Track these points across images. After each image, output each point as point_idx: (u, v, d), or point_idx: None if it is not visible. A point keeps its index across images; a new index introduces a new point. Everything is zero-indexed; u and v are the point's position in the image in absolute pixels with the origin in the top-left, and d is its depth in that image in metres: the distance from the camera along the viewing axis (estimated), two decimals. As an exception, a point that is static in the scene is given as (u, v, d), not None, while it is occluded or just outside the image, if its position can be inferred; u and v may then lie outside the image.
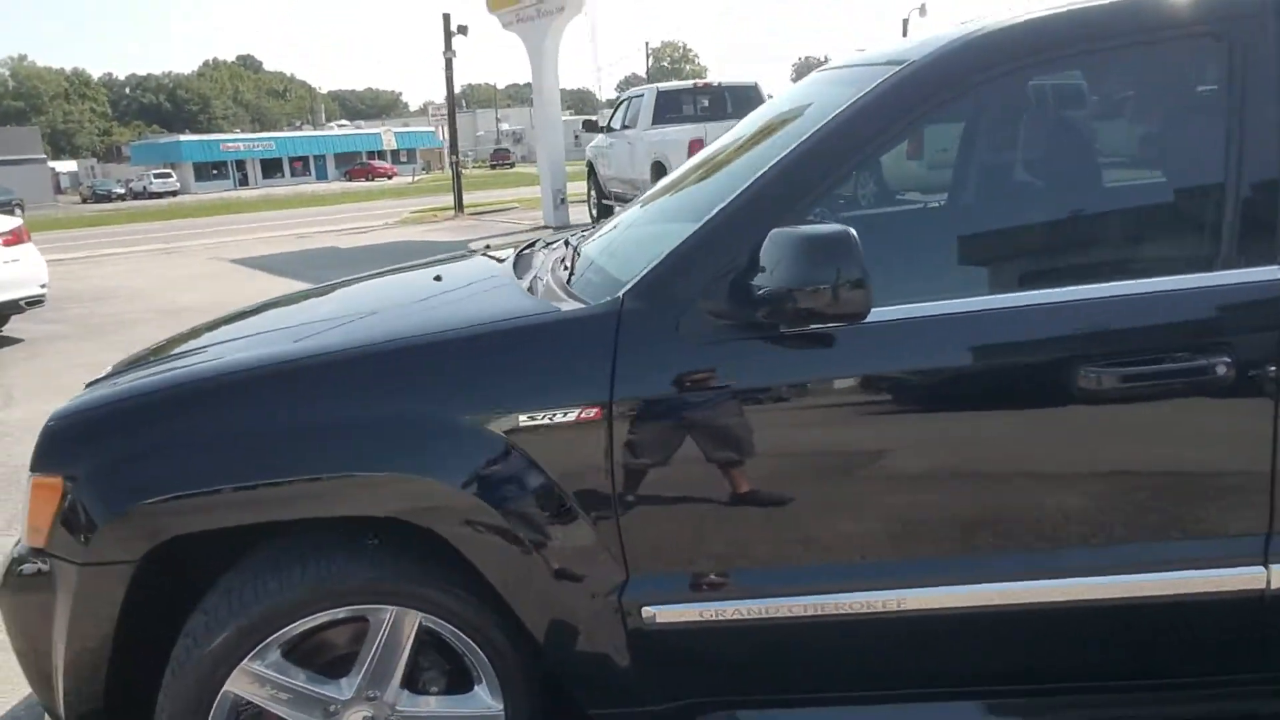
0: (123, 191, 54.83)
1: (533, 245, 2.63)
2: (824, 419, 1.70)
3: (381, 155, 67.47)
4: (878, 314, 1.57)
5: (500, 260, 2.42)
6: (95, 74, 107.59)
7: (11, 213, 6.74)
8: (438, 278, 2.34)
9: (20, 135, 57.43)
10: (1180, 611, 1.70)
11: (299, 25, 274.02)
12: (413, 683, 1.87)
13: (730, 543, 1.74)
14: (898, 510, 1.72)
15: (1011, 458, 1.71)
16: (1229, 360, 1.60)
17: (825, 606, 1.72)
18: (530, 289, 2.06)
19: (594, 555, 1.73)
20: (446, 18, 18.57)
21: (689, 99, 12.69)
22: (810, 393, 1.70)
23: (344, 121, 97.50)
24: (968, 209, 1.85)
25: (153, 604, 1.84)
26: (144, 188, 54.48)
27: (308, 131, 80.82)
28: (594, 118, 15.29)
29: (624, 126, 13.09)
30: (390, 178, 57.42)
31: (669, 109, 12.29)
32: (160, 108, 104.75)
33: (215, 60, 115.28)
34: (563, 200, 14.89)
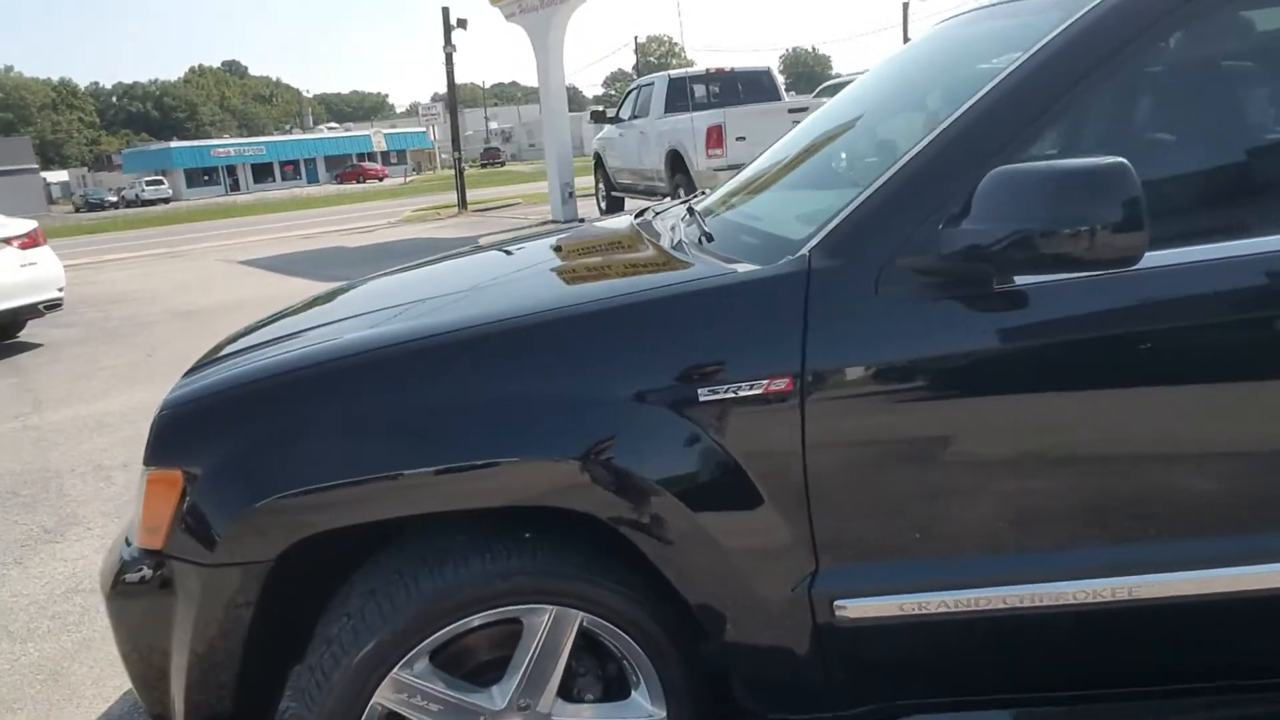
0: (115, 200, 54.53)
1: (643, 214, 2.45)
2: (1052, 384, 1.52)
3: (372, 157, 67.41)
4: (1147, 258, 1.38)
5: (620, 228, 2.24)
6: (82, 83, 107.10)
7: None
8: (558, 247, 2.16)
9: (11, 146, 56.85)
10: None
11: (283, 29, 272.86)
12: (566, 689, 1.70)
13: (938, 529, 1.56)
14: (1137, 487, 1.54)
15: None
16: None
17: (1043, 597, 1.55)
18: (676, 251, 1.88)
19: (781, 544, 1.56)
20: (446, 11, 18.33)
21: (701, 86, 12.49)
22: (1032, 355, 1.52)
23: (333, 124, 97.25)
24: (1219, 143, 1.64)
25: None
26: (136, 195, 54.18)
27: (297, 135, 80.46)
28: (600, 108, 15.07)
29: (633, 116, 12.89)
30: (381, 179, 57.12)
31: (681, 96, 12.07)
32: (148, 116, 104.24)
33: (201, 66, 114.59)
34: (571, 194, 14.69)
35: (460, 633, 1.61)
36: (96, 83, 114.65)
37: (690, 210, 2.19)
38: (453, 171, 19.69)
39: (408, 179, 51.50)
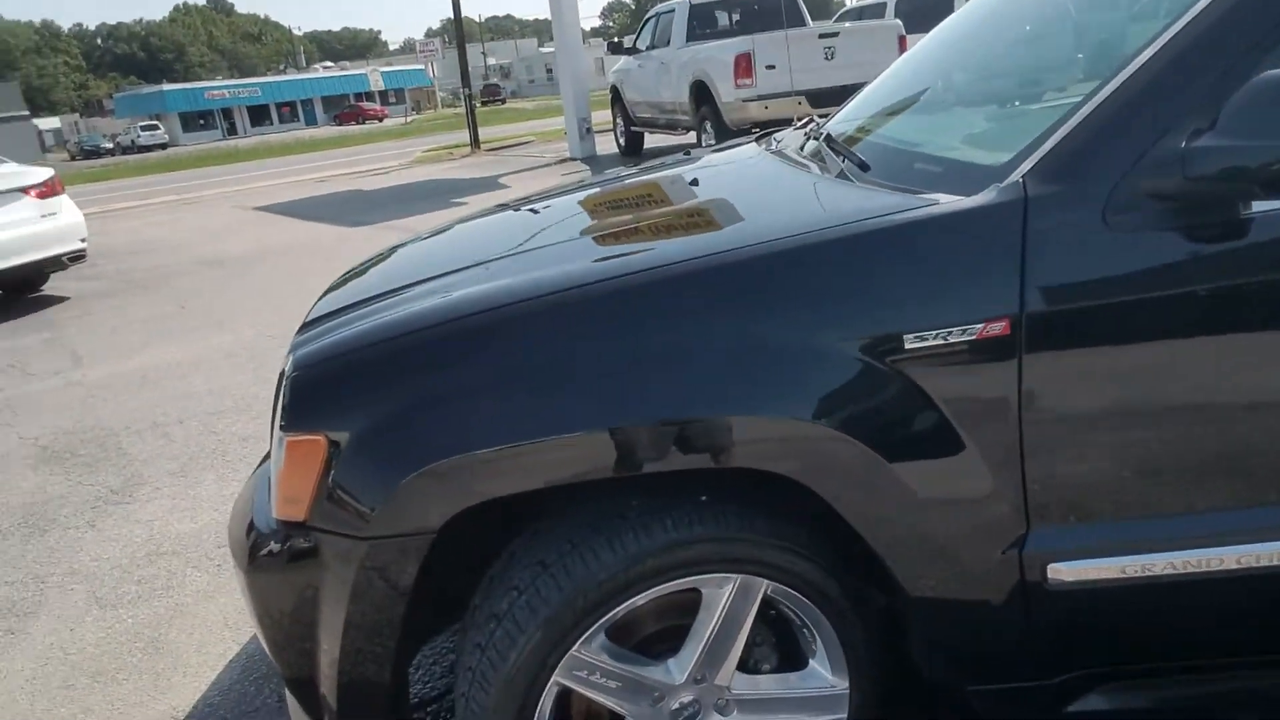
0: (111, 146, 53.85)
1: (762, 140, 2.27)
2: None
3: (369, 97, 66.25)
4: None
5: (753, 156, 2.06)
6: (65, 25, 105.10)
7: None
8: (694, 181, 1.99)
9: (-1, 92, 55.98)
10: None
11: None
12: (741, 660, 1.59)
13: (1168, 484, 1.42)
14: None
15: None
16: None
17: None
18: (843, 180, 1.71)
19: (991, 503, 1.42)
20: (451, -60, 17.71)
21: (724, 11, 12.06)
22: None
23: (328, 64, 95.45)
24: None
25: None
26: (132, 141, 53.43)
27: (292, 75, 78.96)
28: (616, 39, 14.58)
29: (651, 46, 12.48)
30: (381, 119, 56.13)
31: (704, 24, 11.65)
32: (134, 57, 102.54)
33: (186, 5, 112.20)
34: (588, 130, 14.33)
35: (639, 605, 1.49)
36: (80, 24, 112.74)
37: (828, 138, 2.01)
38: (455, 110, 19.27)
39: (409, 119, 50.61)
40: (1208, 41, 1.33)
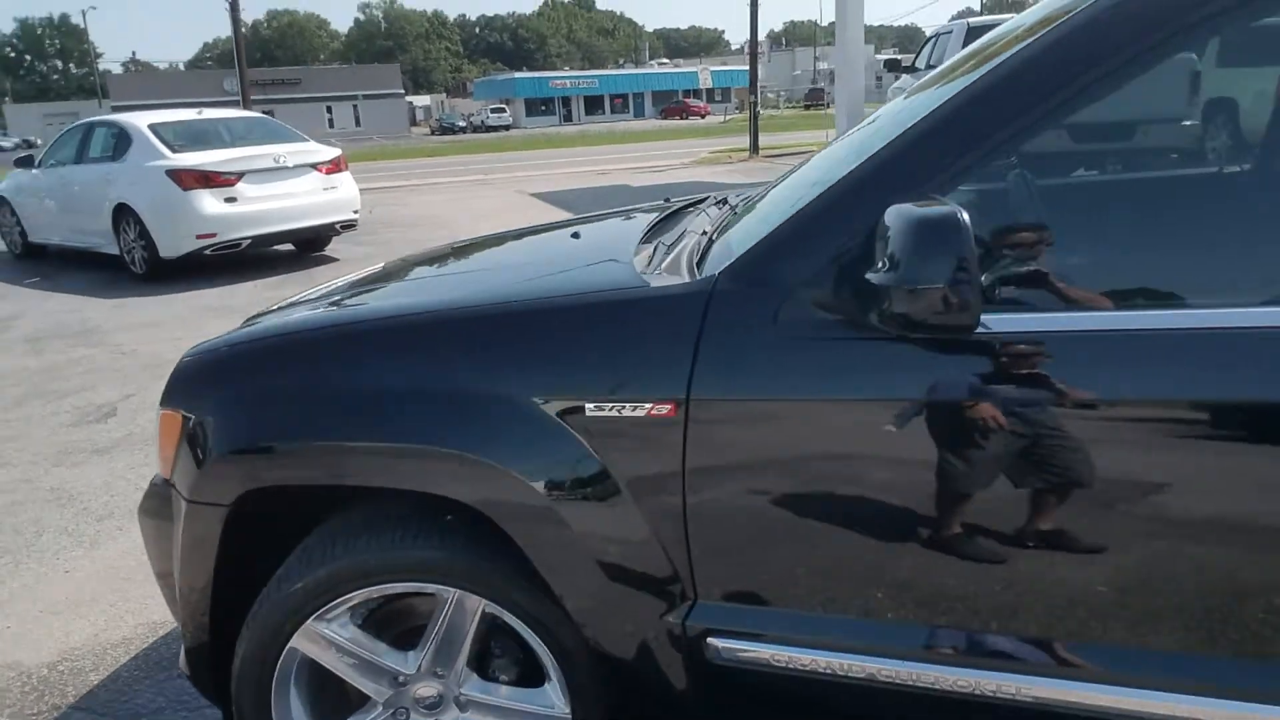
0: (464, 125, 60.47)
1: (700, 203, 2.36)
2: (943, 447, 1.32)
3: (698, 94, 68.64)
4: (997, 323, 1.17)
5: (644, 219, 2.18)
6: (451, 15, 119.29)
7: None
8: (575, 235, 2.16)
9: (382, 72, 65.01)
10: None
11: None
12: (483, 668, 1.77)
13: (820, 581, 1.43)
14: (1030, 576, 1.31)
15: (1183, 521, 1.27)
16: None
17: (923, 677, 1.38)
18: (647, 258, 1.81)
19: (656, 570, 1.50)
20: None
21: (1004, 34, 11.35)
22: (921, 414, 1.33)
23: (664, 60, 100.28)
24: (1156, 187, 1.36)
25: (261, 552, 1.85)
26: (482, 121, 59.75)
27: (628, 70, 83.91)
28: (897, 56, 14.20)
29: (929, 66, 12.05)
30: (703, 116, 58.18)
31: (980, 45, 11.07)
32: (503, 46, 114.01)
33: (553, 0, 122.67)
34: (856, 144, 14.10)
35: (383, 598, 1.72)
36: (463, 14, 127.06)
37: (724, 203, 2.08)
38: (774, 111, 19.65)
39: (727, 118, 52.07)
40: (875, 175, 1.37)
